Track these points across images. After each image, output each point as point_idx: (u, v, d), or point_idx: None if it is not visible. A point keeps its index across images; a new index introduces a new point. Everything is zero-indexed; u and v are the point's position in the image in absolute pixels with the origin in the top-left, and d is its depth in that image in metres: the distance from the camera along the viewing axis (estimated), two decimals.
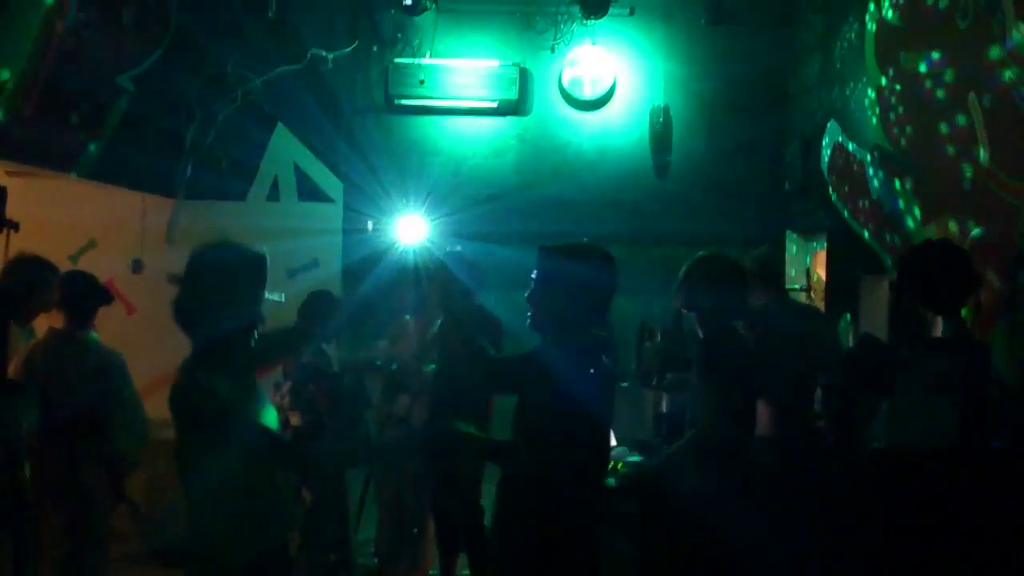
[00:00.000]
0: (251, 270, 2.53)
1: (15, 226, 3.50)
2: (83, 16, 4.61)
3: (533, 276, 2.71)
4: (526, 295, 2.71)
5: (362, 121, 6.70)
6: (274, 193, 6.47)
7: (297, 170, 6.48)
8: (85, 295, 3.99)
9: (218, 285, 2.47)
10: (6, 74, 4.12)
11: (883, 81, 4.87)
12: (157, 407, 5.74)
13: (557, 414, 2.52)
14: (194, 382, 2.41)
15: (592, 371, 2.62)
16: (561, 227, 6.58)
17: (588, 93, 6.76)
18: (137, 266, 6.22)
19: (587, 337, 2.69)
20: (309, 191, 6.50)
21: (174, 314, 2.49)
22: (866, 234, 5.08)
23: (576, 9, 5.97)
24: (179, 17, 5.70)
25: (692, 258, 3.51)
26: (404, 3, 5.63)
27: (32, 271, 3.98)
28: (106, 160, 5.08)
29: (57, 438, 3.74)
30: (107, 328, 5.38)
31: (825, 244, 5.97)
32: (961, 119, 3.93)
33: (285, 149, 6.46)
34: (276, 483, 2.50)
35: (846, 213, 5.39)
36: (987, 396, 3.21)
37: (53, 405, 3.71)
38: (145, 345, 5.84)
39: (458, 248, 4.82)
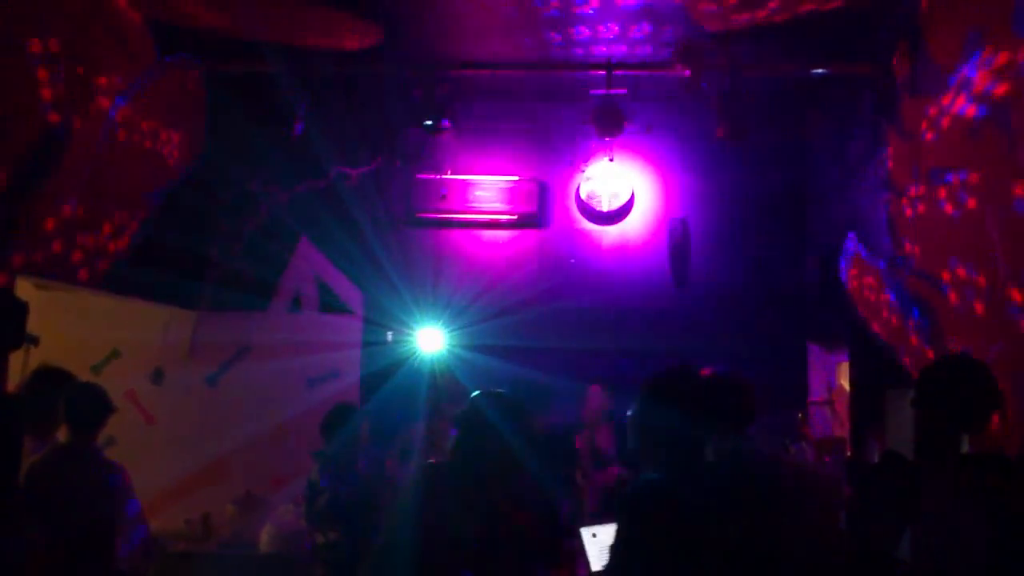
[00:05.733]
0: None
1: (35, 340, 3.54)
2: (113, 135, 4.80)
3: None
4: None
5: (384, 234, 6.83)
6: (296, 305, 6.56)
7: (319, 283, 6.59)
8: (89, 408, 3.88)
9: None
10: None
11: (901, 194, 4.90)
12: (173, 518, 5.76)
13: None
14: None
15: None
16: (579, 341, 6.57)
17: (606, 206, 6.85)
18: (158, 377, 6.27)
19: None
20: (330, 303, 6.59)
21: None
22: (887, 346, 5.01)
23: (592, 126, 6.11)
24: (208, 137, 5.93)
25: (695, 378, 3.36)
26: (424, 123, 5.80)
27: (52, 383, 3.95)
28: (131, 275, 5.19)
29: (60, 554, 3.67)
30: (126, 438, 5.41)
31: (847, 356, 5.91)
32: (977, 236, 3.93)
33: (308, 262, 6.59)
34: None
35: (867, 325, 5.33)
36: (1018, 514, 3.09)
37: (55, 520, 3.65)
38: (164, 455, 5.88)
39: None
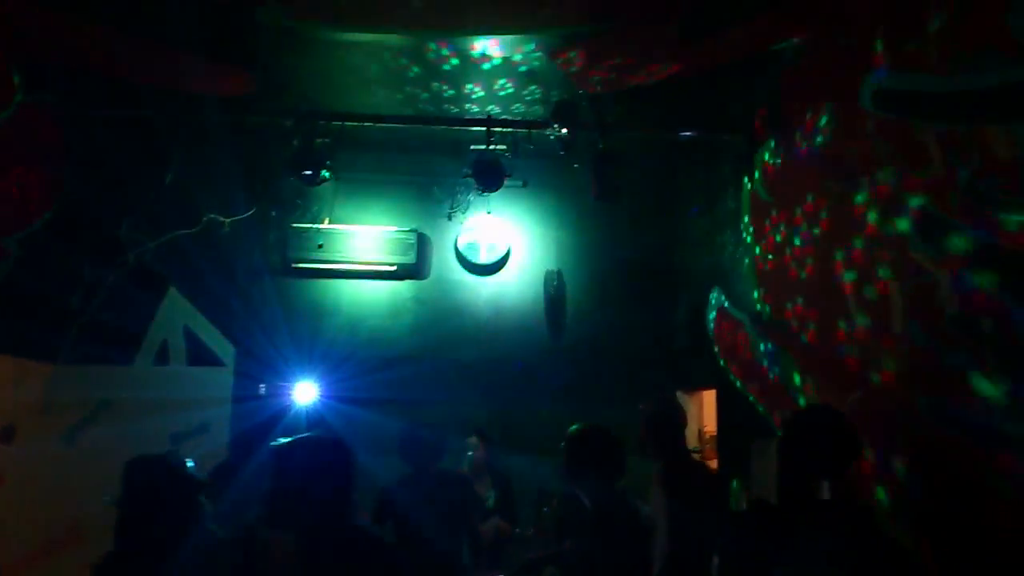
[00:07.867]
0: None
1: None
2: None
3: None
4: None
5: (258, 284, 6.66)
6: (163, 358, 6.28)
7: (188, 334, 6.34)
8: None
9: None
10: None
11: (757, 251, 5.18)
12: None
13: None
14: None
15: None
16: (456, 392, 6.56)
17: (484, 258, 6.94)
18: (8, 434, 5.85)
19: None
20: (200, 355, 6.34)
21: None
22: (751, 396, 5.25)
23: (472, 180, 6.20)
24: (72, 180, 5.66)
25: (567, 434, 3.69)
26: (303, 174, 5.73)
27: None
28: None
29: None
30: None
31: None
32: (828, 291, 4.20)
33: (176, 313, 6.34)
34: None
35: (732, 375, 5.58)
36: (875, 559, 3.26)
37: None
38: (16, 519, 5.45)
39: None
